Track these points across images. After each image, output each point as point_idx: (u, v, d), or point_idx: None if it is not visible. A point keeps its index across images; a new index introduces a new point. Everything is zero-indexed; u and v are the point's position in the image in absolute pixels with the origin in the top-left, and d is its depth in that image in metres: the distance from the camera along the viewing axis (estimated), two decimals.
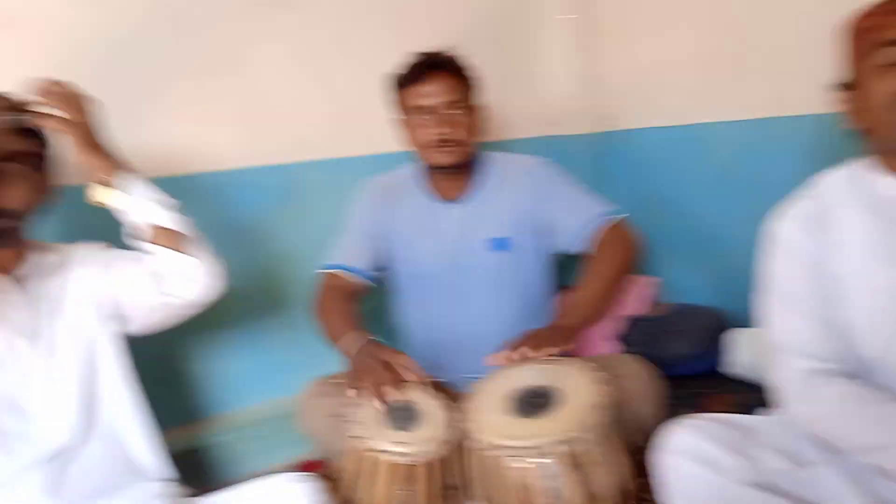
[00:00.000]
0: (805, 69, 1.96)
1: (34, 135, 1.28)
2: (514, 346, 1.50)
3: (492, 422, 1.40)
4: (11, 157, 1.23)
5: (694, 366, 2.00)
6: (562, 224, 1.77)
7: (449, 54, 1.76)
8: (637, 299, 2.24)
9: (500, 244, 1.79)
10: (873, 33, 1.18)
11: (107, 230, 1.42)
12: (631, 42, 2.45)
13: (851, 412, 1.15)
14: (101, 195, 1.32)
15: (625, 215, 1.76)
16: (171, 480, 1.41)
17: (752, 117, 2.14)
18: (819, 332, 1.22)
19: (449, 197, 1.83)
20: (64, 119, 1.27)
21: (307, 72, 2.09)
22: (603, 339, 2.12)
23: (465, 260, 1.81)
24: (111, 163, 1.32)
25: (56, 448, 1.28)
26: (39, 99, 1.26)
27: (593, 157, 2.57)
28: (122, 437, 1.39)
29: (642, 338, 2.08)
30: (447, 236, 1.82)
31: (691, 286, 2.39)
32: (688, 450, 1.21)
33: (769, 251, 1.32)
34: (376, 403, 1.46)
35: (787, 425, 1.27)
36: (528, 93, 2.57)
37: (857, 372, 1.21)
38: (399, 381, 1.50)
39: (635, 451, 1.44)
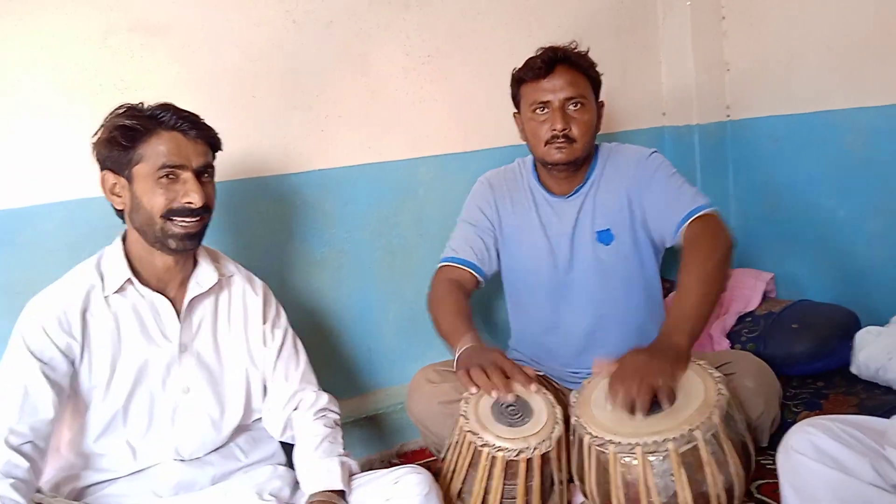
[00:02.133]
0: None
1: (214, 150, 1.45)
2: (619, 386, 1.40)
3: (603, 417, 1.41)
4: (208, 166, 1.41)
5: (816, 365, 1.93)
6: (655, 216, 1.74)
7: (574, 50, 1.75)
8: (751, 294, 2.18)
9: (603, 237, 1.79)
10: None
11: None
12: (756, 27, 2.37)
13: None
14: None
15: (715, 209, 1.67)
16: (284, 465, 1.53)
17: (886, 103, 2.03)
18: None
19: (561, 192, 1.83)
20: None
21: (424, 69, 2.15)
22: (713, 335, 2.08)
23: (573, 254, 1.82)
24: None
25: (191, 451, 1.42)
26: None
27: (713, 148, 2.50)
28: (254, 434, 1.54)
29: (759, 334, 2.02)
30: (558, 231, 1.83)
31: (811, 282, 2.31)
32: (811, 449, 1.21)
33: None
34: (484, 402, 1.48)
35: None
36: (648, 83, 2.53)
37: None
38: (505, 385, 1.50)
39: (746, 448, 1.43)
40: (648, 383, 1.37)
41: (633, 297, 1.82)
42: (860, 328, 1.93)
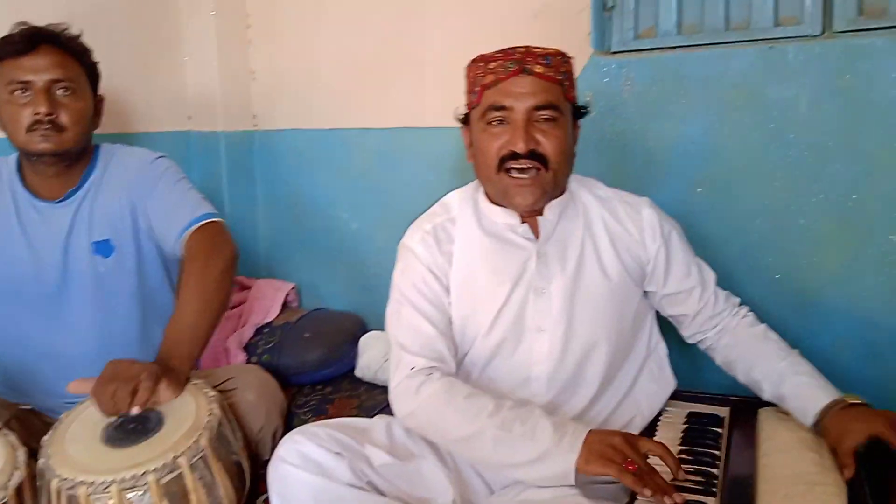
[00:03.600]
0: (436, 84, 2.09)
1: None
2: (102, 391, 1.29)
3: (78, 454, 1.24)
4: None
5: (326, 371, 2.01)
6: (158, 227, 1.62)
7: (62, 30, 1.55)
8: (270, 304, 2.20)
9: (101, 248, 1.60)
10: (481, 87, 1.30)
11: None
12: (280, 40, 2.39)
13: (441, 408, 1.25)
14: None
15: (218, 217, 1.61)
16: None
17: (386, 126, 2.22)
18: (432, 334, 1.33)
19: (51, 195, 1.59)
20: None
21: None
22: (230, 348, 2.03)
23: (66, 267, 1.59)
24: None
25: None
26: None
27: (237, 156, 2.45)
28: None
29: (274, 345, 2.03)
30: (46, 241, 1.59)
31: (332, 291, 2.42)
32: (297, 458, 1.22)
33: (399, 257, 1.42)
34: None
35: (395, 423, 1.36)
36: (171, 83, 2.36)
37: (468, 371, 1.36)
38: None
39: (240, 467, 1.39)
40: (126, 386, 1.28)
41: (142, 314, 1.66)
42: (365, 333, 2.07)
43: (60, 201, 1.59)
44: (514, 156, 1.26)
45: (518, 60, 1.26)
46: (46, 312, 1.59)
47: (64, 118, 1.51)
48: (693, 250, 1.43)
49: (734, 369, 1.39)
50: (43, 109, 1.48)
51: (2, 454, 1.25)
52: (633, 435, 1.18)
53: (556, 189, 1.33)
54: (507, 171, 1.28)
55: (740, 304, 1.44)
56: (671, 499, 1.07)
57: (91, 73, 1.60)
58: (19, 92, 1.49)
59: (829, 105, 1.52)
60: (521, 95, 1.25)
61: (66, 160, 1.56)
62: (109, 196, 1.61)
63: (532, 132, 1.26)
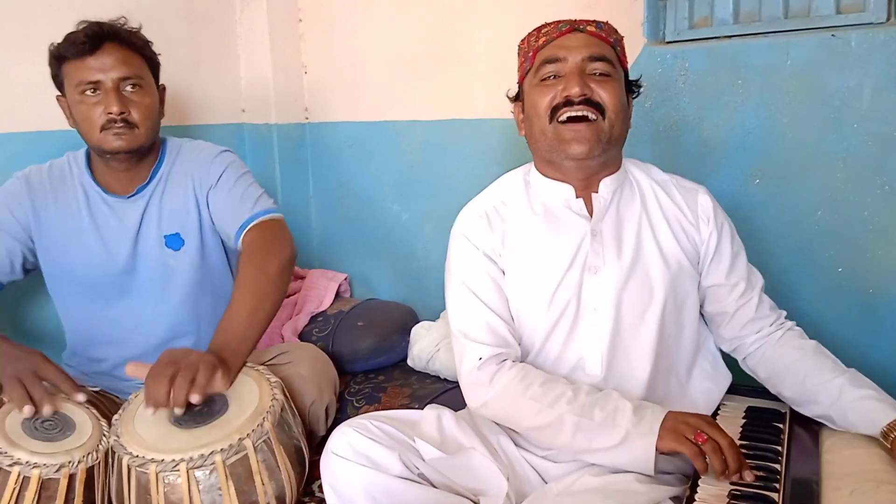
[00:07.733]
0: (485, 76, 2.10)
1: None
2: (157, 375, 1.29)
3: (145, 433, 1.29)
4: None
5: (378, 360, 2.04)
6: (218, 221, 1.65)
7: (123, 25, 1.58)
8: (324, 294, 2.23)
9: (172, 241, 1.65)
10: (534, 51, 1.30)
11: None
12: (329, 34, 2.42)
13: (517, 397, 1.24)
14: None
15: (278, 214, 1.63)
16: None
17: (434, 118, 2.23)
18: (494, 320, 1.31)
19: (122, 191, 1.64)
20: None
21: None
22: (284, 335, 2.07)
23: (137, 260, 1.65)
24: None
25: None
26: None
27: (290, 148, 2.50)
28: None
29: (328, 333, 2.07)
30: (118, 235, 1.64)
31: (382, 282, 2.45)
32: (348, 450, 1.23)
33: (452, 244, 1.39)
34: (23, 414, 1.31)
35: (446, 415, 1.36)
36: (225, 77, 2.41)
37: (527, 356, 1.34)
38: (47, 396, 1.34)
39: (300, 453, 1.43)
40: (186, 374, 1.27)
41: (207, 306, 1.71)
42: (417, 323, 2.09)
43: (131, 196, 1.64)
44: (568, 102, 1.24)
45: (570, 22, 1.29)
46: (115, 302, 1.65)
47: (135, 115, 1.55)
48: (744, 249, 1.39)
49: (781, 382, 1.32)
50: (115, 109, 1.51)
51: (89, 423, 1.33)
52: (710, 417, 1.18)
53: (612, 146, 1.29)
54: (561, 121, 1.25)
55: (787, 318, 1.38)
56: (740, 476, 1.08)
57: (153, 65, 1.63)
58: (90, 92, 1.52)
59: (894, 94, 1.48)
60: (574, 48, 1.26)
61: (137, 155, 1.60)
62: (177, 190, 1.66)
63: (587, 80, 1.25)
